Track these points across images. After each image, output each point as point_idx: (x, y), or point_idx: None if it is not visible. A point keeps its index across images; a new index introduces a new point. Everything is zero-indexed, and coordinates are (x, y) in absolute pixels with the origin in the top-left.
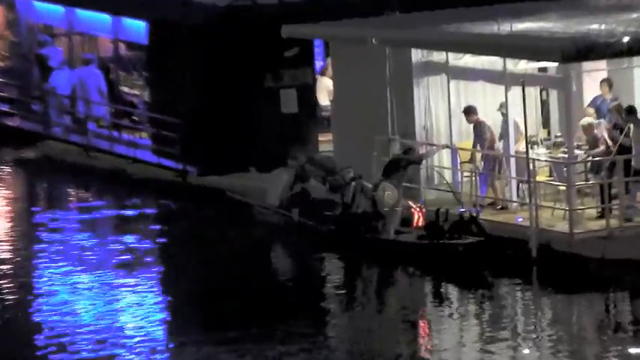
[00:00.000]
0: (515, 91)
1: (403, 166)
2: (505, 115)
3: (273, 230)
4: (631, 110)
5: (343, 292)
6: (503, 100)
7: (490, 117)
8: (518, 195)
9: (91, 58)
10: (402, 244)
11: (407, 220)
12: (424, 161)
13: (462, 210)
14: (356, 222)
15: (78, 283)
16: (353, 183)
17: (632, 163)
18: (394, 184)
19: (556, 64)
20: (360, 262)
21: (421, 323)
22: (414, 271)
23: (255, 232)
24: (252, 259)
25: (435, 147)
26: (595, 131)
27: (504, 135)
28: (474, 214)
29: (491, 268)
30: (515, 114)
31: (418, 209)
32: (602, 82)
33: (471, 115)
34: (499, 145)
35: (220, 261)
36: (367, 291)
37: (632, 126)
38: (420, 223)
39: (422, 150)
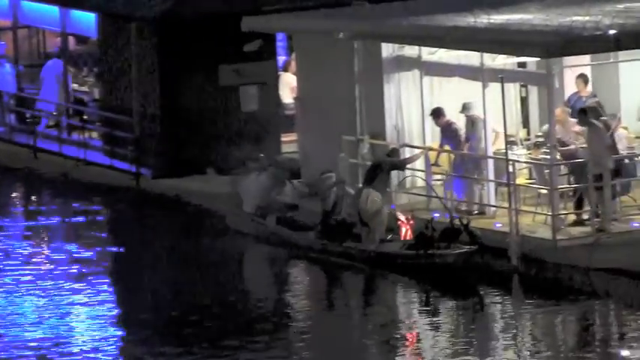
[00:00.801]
0: (493, 88)
1: (385, 170)
2: (469, 117)
3: (246, 240)
4: (584, 112)
5: (320, 306)
6: (474, 98)
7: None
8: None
9: (55, 52)
10: (387, 254)
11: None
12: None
13: (454, 216)
14: (338, 230)
15: (23, 297)
16: (334, 189)
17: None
18: (379, 189)
19: (537, 59)
20: (341, 273)
21: (395, 338)
22: (398, 283)
23: (227, 243)
24: (223, 273)
25: (419, 151)
26: (558, 135)
27: (470, 137)
28: (465, 222)
29: (469, 277)
30: (490, 113)
31: (406, 221)
32: (577, 77)
33: (440, 118)
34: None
35: (186, 275)
36: (345, 305)
37: (586, 129)
38: (409, 237)
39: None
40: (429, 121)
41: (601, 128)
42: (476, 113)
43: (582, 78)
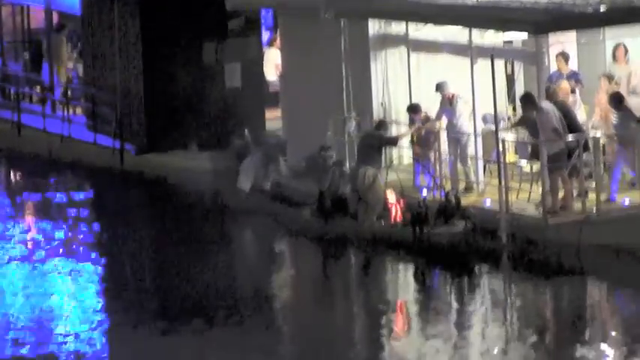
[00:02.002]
0: (480, 65)
1: (376, 146)
2: (445, 95)
3: (241, 217)
4: (528, 98)
5: (311, 284)
6: (458, 75)
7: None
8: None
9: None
10: (384, 232)
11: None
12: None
13: (444, 194)
14: (333, 208)
15: (6, 275)
16: (333, 167)
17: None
18: (376, 167)
19: (524, 36)
20: (335, 251)
21: (385, 317)
22: (392, 261)
23: (222, 220)
24: (215, 250)
25: (409, 127)
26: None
27: (447, 115)
28: (457, 199)
29: (461, 255)
30: (477, 90)
31: (396, 203)
32: (557, 55)
33: (418, 114)
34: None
35: (177, 253)
36: (337, 284)
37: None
38: (399, 219)
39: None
40: (416, 98)
41: (547, 112)
42: (452, 91)
43: (562, 56)
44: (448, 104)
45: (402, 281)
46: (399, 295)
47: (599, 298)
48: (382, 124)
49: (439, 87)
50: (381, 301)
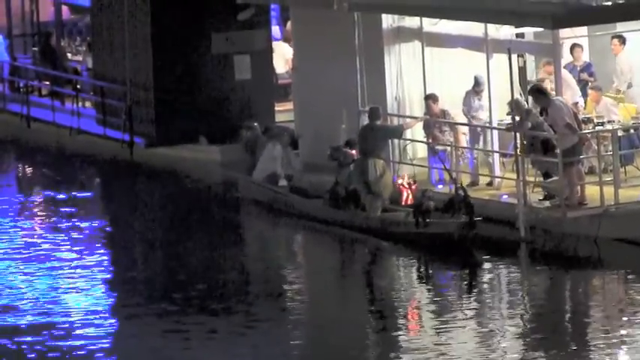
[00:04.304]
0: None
1: (380, 137)
2: (476, 91)
3: (255, 207)
4: (538, 90)
5: (319, 275)
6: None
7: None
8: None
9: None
10: (388, 223)
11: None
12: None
13: (452, 187)
14: (346, 200)
15: (15, 267)
16: (353, 163)
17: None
18: (382, 157)
19: (536, 30)
20: (344, 242)
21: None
22: (399, 253)
23: (239, 209)
24: (226, 239)
25: (414, 119)
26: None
27: (477, 108)
28: (463, 194)
29: (477, 248)
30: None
31: (407, 186)
32: (572, 47)
33: (435, 104)
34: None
35: (190, 242)
36: (343, 274)
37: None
38: (410, 202)
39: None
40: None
41: (558, 105)
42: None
43: (577, 48)
44: (475, 98)
45: (405, 273)
46: (402, 284)
47: (617, 290)
48: (374, 112)
49: (477, 80)
50: (381, 296)
